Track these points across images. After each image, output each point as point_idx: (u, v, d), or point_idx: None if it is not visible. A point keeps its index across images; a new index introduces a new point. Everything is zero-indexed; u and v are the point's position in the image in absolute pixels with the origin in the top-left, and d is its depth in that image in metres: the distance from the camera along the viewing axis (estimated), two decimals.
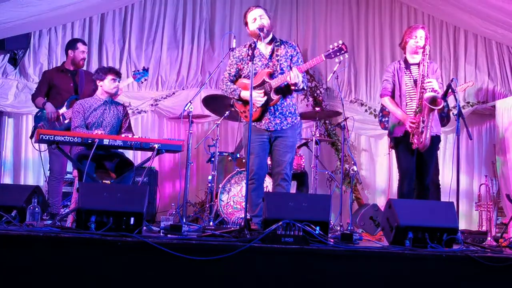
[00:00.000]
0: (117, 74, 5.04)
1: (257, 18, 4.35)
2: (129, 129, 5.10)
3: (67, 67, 5.78)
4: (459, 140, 4.59)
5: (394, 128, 4.86)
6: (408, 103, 4.79)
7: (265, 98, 4.33)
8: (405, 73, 4.83)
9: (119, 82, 5.05)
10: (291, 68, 4.31)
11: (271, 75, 4.36)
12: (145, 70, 5.94)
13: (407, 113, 4.76)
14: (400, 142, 4.82)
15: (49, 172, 5.64)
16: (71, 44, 5.85)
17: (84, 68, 6.12)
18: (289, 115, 4.43)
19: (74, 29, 7.15)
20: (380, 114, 6.78)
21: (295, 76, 4.21)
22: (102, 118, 4.98)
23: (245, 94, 4.36)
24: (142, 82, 6.55)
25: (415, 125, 4.65)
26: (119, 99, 5.71)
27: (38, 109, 5.67)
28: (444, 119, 6.01)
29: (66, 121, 5.43)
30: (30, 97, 5.90)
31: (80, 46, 5.78)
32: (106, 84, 4.99)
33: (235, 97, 4.46)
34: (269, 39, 4.44)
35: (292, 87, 4.31)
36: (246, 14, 4.44)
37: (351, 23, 7.83)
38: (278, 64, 4.39)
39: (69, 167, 5.87)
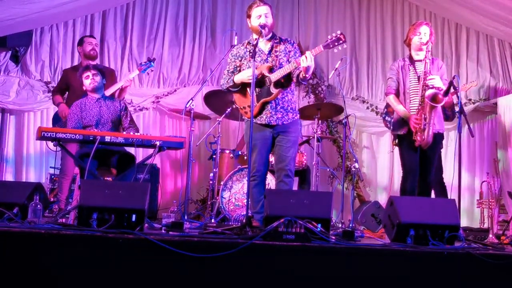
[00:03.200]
0: (86, 68, 4.96)
1: (262, 15, 4.31)
2: (132, 123, 5.04)
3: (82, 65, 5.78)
4: (460, 137, 4.58)
5: (398, 126, 4.85)
6: (412, 100, 4.78)
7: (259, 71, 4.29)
8: (410, 70, 4.82)
9: (94, 76, 4.95)
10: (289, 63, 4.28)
11: (271, 70, 4.35)
12: (151, 60, 5.88)
13: (411, 110, 4.76)
14: (404, 140, 4.82)
15: (59, 169, 5.68)
16: (78, 42, 6.00)
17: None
18: (291, 110, 4.41)
19: (75, 26, 7.15)
20: (385, 110, 6.74)
21: (310, 59, 4.10)
22: (100, 115, 4.93)
23: (237, 78, 4.36)
24: (148, 74, 6.52)
25: (418, 124, 4.65)
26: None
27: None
28: (449, 117, 5.91)
29: None
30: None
31: (86, 40, 5.91)
32: (85, 83, 4.95)
33: (230, 84, 4.43)
34: (269, 37, 4.43)
35: (305, 75, 4.18)
36: (251, 7, 4.36)
37: (352, 21, 7.81)
38: (277, 60, 4.36)
39: None
